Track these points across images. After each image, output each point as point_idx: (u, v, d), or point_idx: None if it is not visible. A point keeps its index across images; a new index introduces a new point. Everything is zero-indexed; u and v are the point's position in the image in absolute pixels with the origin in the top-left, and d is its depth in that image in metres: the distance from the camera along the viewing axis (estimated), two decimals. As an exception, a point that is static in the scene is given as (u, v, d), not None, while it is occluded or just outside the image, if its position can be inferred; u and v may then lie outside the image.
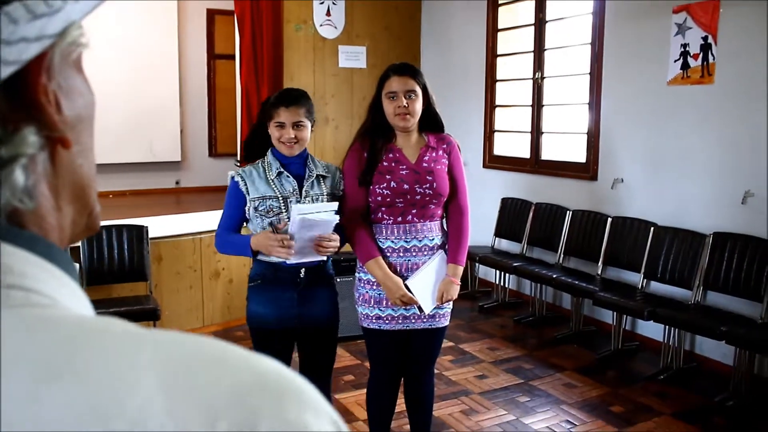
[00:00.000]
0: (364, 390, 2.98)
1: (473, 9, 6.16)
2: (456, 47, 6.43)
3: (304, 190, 2.60)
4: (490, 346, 4.71)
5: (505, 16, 5.96)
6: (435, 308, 2.68)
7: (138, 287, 4.56)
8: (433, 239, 2.69)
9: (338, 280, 3.99)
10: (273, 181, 2.58)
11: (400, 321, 2.68)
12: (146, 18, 7.78)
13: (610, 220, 4.85)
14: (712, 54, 4.17)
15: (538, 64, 5.54)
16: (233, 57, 6.46)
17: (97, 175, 0.52)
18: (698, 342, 4.35)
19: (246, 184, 2.58)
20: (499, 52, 6.01)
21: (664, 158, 4.54)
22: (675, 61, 4.39)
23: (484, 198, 6.04)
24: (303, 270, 2.59)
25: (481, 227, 5.95)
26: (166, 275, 4.79)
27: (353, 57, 6.48)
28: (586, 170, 5.14)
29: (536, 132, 5.62)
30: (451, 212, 2.75)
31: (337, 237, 2.53)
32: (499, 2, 5.96)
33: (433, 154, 2.71)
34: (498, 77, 6.03)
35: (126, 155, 7.79)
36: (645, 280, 4.54)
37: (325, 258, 2.61)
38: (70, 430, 0.35)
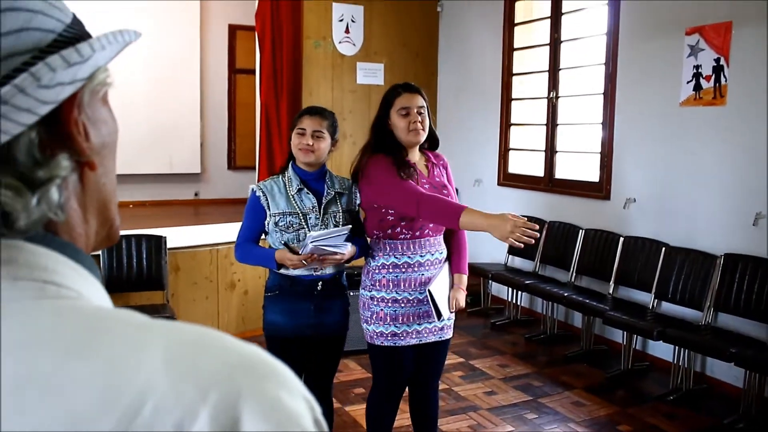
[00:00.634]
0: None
1: (490, 28, 6.25)
2: (472, 65, 6.51)
3: (323, 207, 2.68)
4: (501, 362, 4.74)
5: (521, 35, 6.04)
6: (444, 319, 2.76)
7: (155, 296, 4.65)
8: (442, 252, 2.79)
9: (351, 293, 4.06)
10: (293, 197, 2.67)
11: (413, 336, 2.73)
12: (169, 33, 7.95)
13: (622, 239, 4.87)
14: (725, 76, 4.21)
15: (553, 83, 5.61)
16: (253, 72, 6.59)
17: (118, 185, 0.61)
18: (709, 363, 4.35)
19: (267, 199, 2.66)
20: (514, 71, 6.08)
21: (676, 179, 4.57)
22: (687, 82, 4.43)
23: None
24: (320, 282, 2.68)
25: (494, 245, 5.96)
26: (183, 285, 4.88)
27: (371, 74, 6.58)
28: (599, 189, 5.18)
29: (550, 151, 5.67)
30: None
31: (350, 249, 2.62)
32: (516, 22, 6.04)
33: (438, 170, 2.82)
34: (513, 96, 6.10)
35: (147, 166, 7.93)
36: (656, 301, 4.55)
37: (340, 270, 2.76)
38: (91, 396, 0.43)
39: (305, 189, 2.69)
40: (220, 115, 8.81)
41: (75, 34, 0.52)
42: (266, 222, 2.68)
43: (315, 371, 2.79)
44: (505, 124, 6.15)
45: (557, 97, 5.60)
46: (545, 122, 5.71)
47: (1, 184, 0.47)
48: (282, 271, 2.67)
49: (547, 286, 5.08)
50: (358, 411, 3.83)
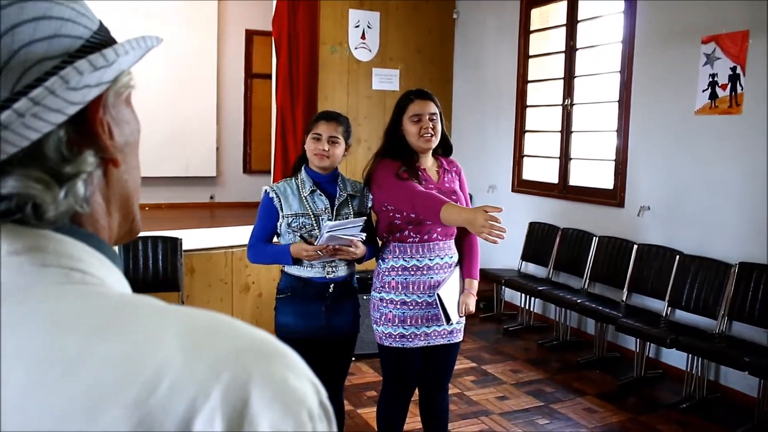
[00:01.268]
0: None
1: (505, 35, 6.27)
2: (488, 72, 6.53)
3: (335, 209, 2.72)
4: (513, 368, 4.74)
5: (537, 42, 6.06)
6: (453, 323, 2.78)
7: (170, 297, 4.70)
8: (452, 257, 2.80)
9: (364, 297, 4.09)
10: (306, 198, 2.71)
11: (422, 338, 2.76)
12: (187, 37, 8.03)
13: (635, 247, 4.87)
14: (741, 84, 4.20)
15: (568, 90, 5.61)
16: (270, 77, 6.64)
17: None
18: (722, 372, 4.32)
19: (280, 201, 2.71)
20: (529, 78, 6.09)
21: (691, 187, 4.56)
22: (703, 90, 4.42)
23: (511, 222, 6.04)
24: (332, 285, 2.71)
25: (508, 251, 6.00)
26: (198, 287, 4.94)
27: (386, 80, 6.62)
28: (613, 197, 5.17)
29: (565, 158, 5.67)
30: (460, 231, 2.84)
31: (362, 247, 2.66)
32: (531, 29, 6.06)
33: (450, 176, 2.84)
34: (528, 103, 6.11)
35: (163, 169, 8.00)
36: (669, 308, 4.54)
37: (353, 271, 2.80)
38: (112, 373, 0.46)
39: (318, 191, 2.73)
40: (236, 119, 8.87)
41: (101, 40, 0.56)
42: (279, 223, 2.72)
43: (326, 373, 2.81)
44: (520, 131, 6.16)
45: (572, 105, 5.60)
46: (560, 129, 5.71)
47: (32, 178, 0.51)
48: (294, 271, 2.71)
49: (561, 292, 5.08)
50: (370, 414, 3.85)
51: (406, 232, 2.74)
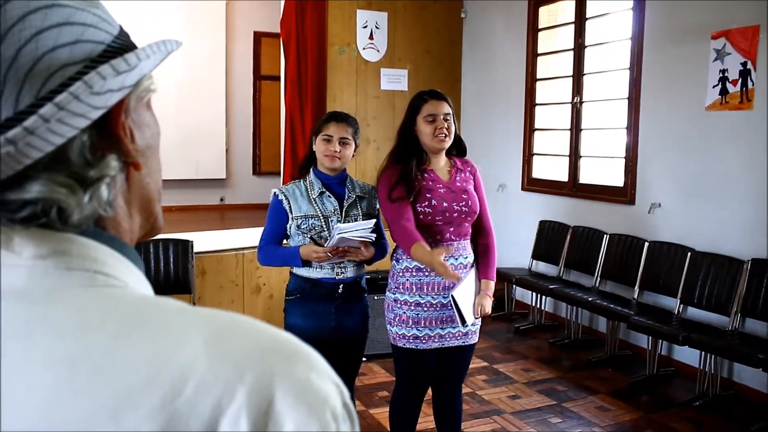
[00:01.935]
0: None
1: (514, 34, 6.26)
2: (496, 71, 6.52)
3: (344, 210, 2.73)
4: (525, 367, 4.74)
5: (545, 40, 6.04)
6: (468, 325, 2.77)
7: (182, 299, 4.68)
8: (467, 257, 2.79)
9: (375, 297, 4.10)
10: (315, 200, 2.72)
11: (436, 339, 2.75)
12: (195, 40, 8.05)
13: (647, 244, 4.85)
14: (752, 80, 4.18)
15: (577, 88, 5.60)
16: (278, 78, 6.66)
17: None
18: (736, 369, 4.30)
19: (289, 203, 2.71)
20: (538, 77, 6.08)
21: (702, 183, 4.54)
22: (713, 86, 4.40)
23: (522, 220, 6.09)
24: (341, 286, 2.72)
25: (518, 249, 5.99)
26: (209, 289, 4.95)
27: (395, 80, 6.62)
28: (624, 194, 5.15)
29: (574, 155, 5.65)
30: (476, 231, 2.84)
31: (371, 248, 2.67)
32: (539, 27, 6.05)
33: (463, 175, 2.83)
34: (537, 101, 6.10)
35: (173, 172, 8.02)
36: (681, 306, 4.52)
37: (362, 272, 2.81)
38: (138, 374, 0.47)
39: (327, 192, 2.74)
40: (245, 121, 8.90)
41: (122, 45, 0.56)
42: (288, 225, 2.73)
43: (336, 374, 2.82)
44: (529, 129, 6.15)
45: (581, 102, 5.59)
46: (569, 127, 5.70)
47: (57, 182, 0.51)
48: (303, 272, 2.72)
49: (572, 290, 5.06)
50: (382, 414, 3.85)
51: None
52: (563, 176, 5.78)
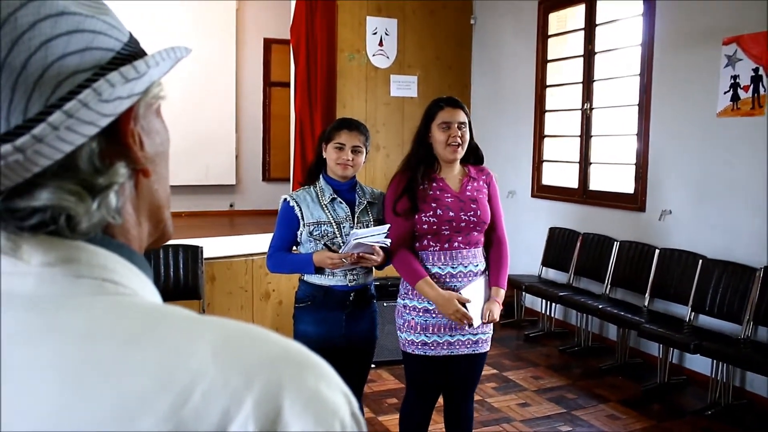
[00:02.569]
0: (407, 413, 3.05)
1: (523, 40, 6.25)
2: (506, 78, 6.52)
3: (356, 216, 2.72)
4: (534, 374, 4.71)
5: (555, 47, 6.03)
6: (478, 333, 2.75)
7: (192, 305, 4.72)
8: (477, 265, 2.77)
9: (384, 304, 4.09)
10: (327, 206, 2.72)
11: (445, 347, 2.74)
12: (205, 46, 8.11)
13: (657, 251, 4.82)
14: (763, 85, 4.15)
15: (587, 94, 5.58)
16: (288, 84, 6.68)
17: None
18: (748, 378, 4.26)
19: (301, 209, 2.71)
20: (548, 83, 6.07)
21: (713, 190, 4.51)
22: (725, 92, 4.38)
23: (531, 227, 6.06)
24: (353, 293, 2.72)
25: (528, 256, 5.97)
26: (219, 295, 4.96)
27: (405, 86, 6.63)
28: (634, 201, 5.13)
29: (584, 162, 5.64)
30: (488, 239, 2.83)
31: (380, 253, 2.65)
32: (549, 34, 6.04)
33: (475, 184, 2.81)
34: (547, 108, 6.09)
35: (183, 178, 8.07)
36: (693, 313, 4.48)
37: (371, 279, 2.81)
38: (146, 381, 0.46)
39: (338, 198, 2.74)
40: (255, 127, 8.93)
41: (132, 52, 0.56)
42: (299, 232, 2.72)
43: (345, 381, 2.82)
44: (539, 136, 6.14)
45: (591, 109, 5.57)
46: (579, 134, 5.68)
47: (66, 190, 0.51)
48: (315, 279, 2.71)
49: (582, 298, 5.04)
50: (391, 421, 3.84)
51: (426, 242, 2.73)
52: (573, 183, 5.75)
